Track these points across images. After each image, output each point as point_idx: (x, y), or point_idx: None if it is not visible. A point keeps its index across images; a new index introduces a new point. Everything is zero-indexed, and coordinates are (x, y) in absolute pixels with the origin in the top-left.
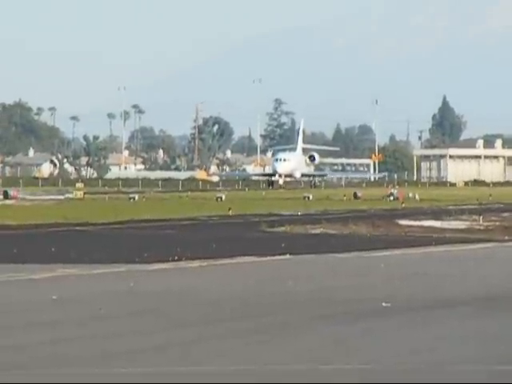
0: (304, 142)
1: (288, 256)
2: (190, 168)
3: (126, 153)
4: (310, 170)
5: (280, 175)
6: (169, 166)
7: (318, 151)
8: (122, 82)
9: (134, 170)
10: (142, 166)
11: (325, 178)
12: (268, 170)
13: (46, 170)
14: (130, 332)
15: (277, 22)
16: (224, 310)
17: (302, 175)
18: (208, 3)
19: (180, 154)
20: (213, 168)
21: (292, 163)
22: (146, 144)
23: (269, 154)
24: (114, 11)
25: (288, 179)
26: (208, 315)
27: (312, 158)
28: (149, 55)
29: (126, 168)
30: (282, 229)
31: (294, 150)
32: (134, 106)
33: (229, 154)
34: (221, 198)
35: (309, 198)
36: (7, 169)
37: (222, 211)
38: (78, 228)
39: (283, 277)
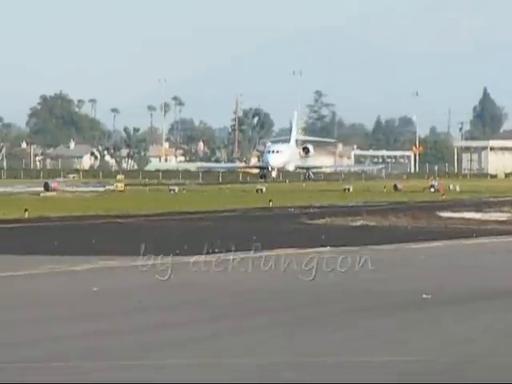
0: (342, 133)
1: (328, 248)
2: (230, 160)
3: (166, 145)
4: (305, 162)
5: (273, 168)
6: (209, 158)
7: (313, 142)
8: (163, 75)
9: (174, 161)
10: (183, 158)
11: (320, 170)
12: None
13: (87, 162)
14: (168, 324)
15: (316, 18)
16: (263, 302)
17: (296, 168)
18: (249, 3)
19: (220, 145)
20: (253, 160)
21: (285, 155)
22: (186, 136)
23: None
24: (152, 4)
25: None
26: (247, 307)
27: (306, 150)
28: (188, 47)
29: (166, 160)
30: (323, 221)
31: (288, 141)
32: (174, 98)
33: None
34: (261, 189)
35: (349, 189)
36: (48, 161)
37: (262, 203)
38: (118, 220)
39: (322, 269)
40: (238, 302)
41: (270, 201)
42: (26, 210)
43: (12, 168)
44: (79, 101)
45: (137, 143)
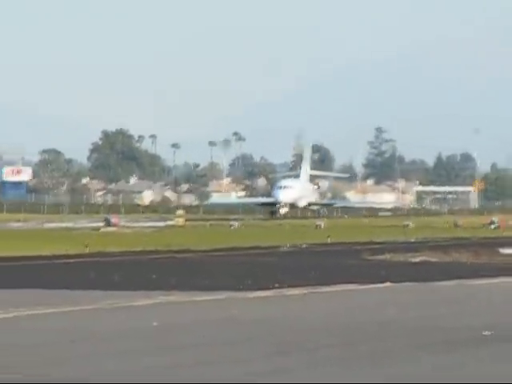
0: (403, 169)
1: (388, 284)
2: None
3: (227, 180)
4: (318, 198)
5: (283, 204)
6: (269, 194)
7: (327, 178)
8: (223, 110)
9: (234, 196)
10: (243, 193)
11: (333, 206)
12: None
13: (148, 197)
14: (230, 360)
15: (373, 51)
16: (324, 338)
17: (310, 204)
18: (316, 32)
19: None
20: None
21: (296, 191)
22: (247, 171)
23: (369, 181)
24: (209, 41)
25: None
26: (308, 343)
27: (317, 186)
28: (249, 82)
29: (226, 195)
30: (382, 257)
31: (298, 176)
32: (235, 134)
33: (331, 180)
34: (320, 225)
35: (408, 225)
36: (109, 196)
37: (321, 239)
38: (178, 255)
39: (382, 305)
40: (299, 338)
41: (328, 236)
42: (86, 245)
43: (73, 203)
44: (140, 136)
45: (197, 178)
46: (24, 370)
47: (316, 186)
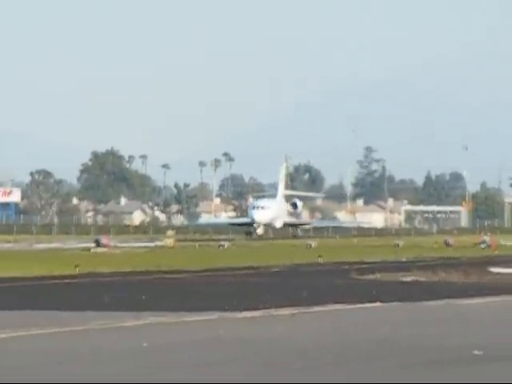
0: (392, 188)
1: (378, 304)
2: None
3: (217, 200)
4: (293, 218)
5: (258, 224)
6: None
7: (300, 198)
8: (213, 131)
9: (224, 217)
10: (233, 213)
11: (308, 227)
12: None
13: (138, 217)
14: (217, 380)
15: (362, 71)
16: (312, 358)
17: (285, 224)
18: (303, 52)
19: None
20: (304, 215)
21: (271, 211)
22: (237, 191)
23: (359, 201)
24: (203, 62)
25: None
26: (296, 362)
27: (294, 206)
28: (235, 101)
29: (216, 215)
30: (373, 276)
31: (274, 196)
32: (225, 154)
33: (320, 201)
34: (310, 245)
35: (398, 245)
36: (99, 217)
37: (312, 258)
38: (168, 276)
39: (372, 324)
40: (286, 358)
41: (319, 256)
42: (76, 265)
43: (63, 224)
44: (130, 157)
45: (187, 199)
46: None
47: (294, 206)
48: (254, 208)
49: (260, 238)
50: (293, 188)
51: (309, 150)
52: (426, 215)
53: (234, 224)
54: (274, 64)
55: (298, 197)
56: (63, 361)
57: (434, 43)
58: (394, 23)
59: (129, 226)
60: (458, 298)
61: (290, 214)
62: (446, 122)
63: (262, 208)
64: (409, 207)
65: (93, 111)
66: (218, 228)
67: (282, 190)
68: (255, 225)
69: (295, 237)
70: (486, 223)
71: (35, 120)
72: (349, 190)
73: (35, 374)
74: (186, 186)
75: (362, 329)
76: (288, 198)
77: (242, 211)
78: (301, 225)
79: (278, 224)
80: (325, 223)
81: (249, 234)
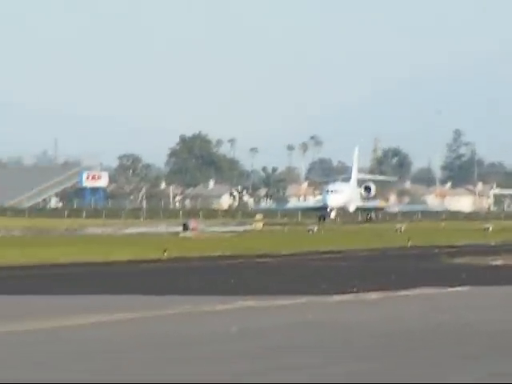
0: (482, 172)
1: (468, 287)
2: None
3: (305, 184)
4: (366, 202)
5: (331, 208)
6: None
7: (375, 182)
8: (301, 114)
9: (312, 201)
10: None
11: (383, 211)
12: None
13: (226, 201)
14: (305, 364)
15: (453, 55)
16: (400, 342)
17: (357, 208)
18: (389, 35)
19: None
20: (392, 198)
21: (345, 195)
22: (325, 175)
23: (448, 185)
24: (288, 44)
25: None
26: (384, 348)
27: (368, 190)
28: (324, 86)
29: (305, 199)
30: (462, 260)
31: (348, 180)
32: (313, 138)
33: (408, 184)
34: (400, 229)
35: (489, 229)
36: (187, 201)
37: (401, 242)
38: (257, 260)
39: (462, 309)
40: (376, 343)
41: (408, 240)
42: (165, 250)
43: (151, 208)
44: (218, 141)
45: (275, 183)
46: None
47: (367, 190)
48: (327, 192)
49: (334, 222)
50: (381, 172)
51: (397, 134)
52: None
53: (307, 208)
54: (361, 45)
55: (372, 180)
56: (149, 345)
57: None
58: (480, 8)
59: (217, 210)
60: None
61: (364, 198)
62: None
63: (336, 192)
64: (498, 191)
65: (181, 95)
66: (306, 212)
67: (355, 174)
68: (328, 209)
69: (369, 221)
70: None
71: (123, 104)
72: (437, 173)
73: (119, 359)
74: (274, 169)
75: (450, 313)
76: (361, 182)
77: None
78: (374, 209)
79: (351, 208)
80: (400, 207)
81: (322, 218)
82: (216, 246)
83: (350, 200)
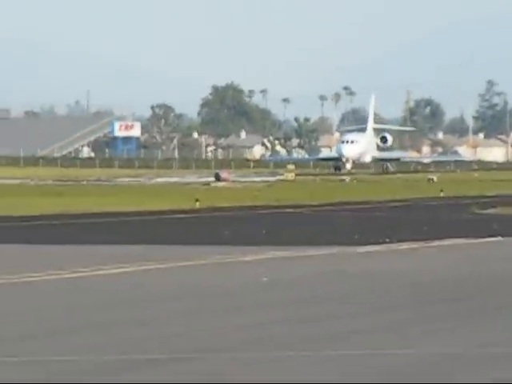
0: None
1: (499, 238)
2: (402, 149)
3: (337, 134)
4: (382, 153)
5: (347, 159)
6: (380, 148)
7: (391, 132)
8: (332, 64)
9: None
10: None
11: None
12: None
13: (258, 152)
14: (336, 315)
15: (487, 6)
16: (433, 293)
17: (373, 159)
18: None
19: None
20: (425, 149)
21: (360, 146)
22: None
23: (480, 135)
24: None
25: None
26: (417, 297)
27: (384, 140)
28: (356, 36)
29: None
30: (494, 211)
31: (364, 130)
32: (345, 88)
33: (441, 135)
34: (432, 179)
35: None
36: (219, 151)
37: (433, 193)
38: (288, 210)
39: (493, 259)
40: (407, 293)
41: (441, 190)
42: (196, 200)
43: (184, 158)
44: (250, 91)
45: (307, 133)
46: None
47: (384, 140)
48: (342, 142)
49: (350, 173)
50: (412, 122)
51: (430, 84)
52: None
53: (322, 159)
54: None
55: (388, 130)
56: (183, 295)
57: None
58: None
59: (249, 160)
60: None
61: (381, 149)
62: None
63: (351, 142)
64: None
65: (213, 45)
66: (322, 162)
67: (371, 124)
68: (344, 159)
69: (386, 172)
70: None
71: (156, 55)
72: (470, 123)
73: (150, 309)
74: (307, 120)
75: (482, 263)
76: (378, 132)
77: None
78: (392, 160)
79: (367, 159)
80: (414, 158)
81: (337, 168)
82: (247, 196)
83: (365, 151)
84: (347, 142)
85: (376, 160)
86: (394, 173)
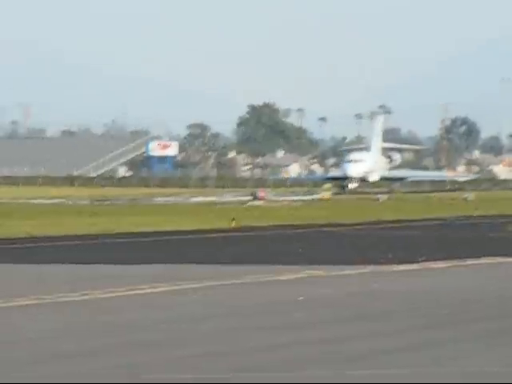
0: None
1: None
2: (438, 168)
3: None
4: (391, 172)
5: (352, 178)
6: (416, 166)
7: (399, 150)
8: (369, 83)
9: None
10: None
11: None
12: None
13: (295, 170)
14: (371, 333)
15: None
16: (468, 311)
17: (381, 178)
18: (448, 5)
19: (427, 154)
20: (460, 168)
21: (366, 165)
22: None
23: (476, 153)
24: (357, 14)
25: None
26: (453, 316)
27: (390, 159)
28: (393, 54)
29: None
30: None
31: (369, 149)
32: (381, 107)
33: (477, 153)
34: (467, 198)
35: None
36: (256, 170)
37: (468, 211)
38: (324, 229)
39: None
40: (443, 312)
41: (476, 209)
42: (233, 219)
43: (220, 177)
44: (286, 110)
45: (343, 152)
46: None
47: (388, 159)
48: (347, 161)
49: (355, 191)
50: (448, 140)
51: (466, 102)
52: None
53: (330, 178)
54: (430, 15)
55: (396, 149)
56: (218, 314)
57: None
58: None
59: (286, 179)
60: None
61: (388, 168)
62: None
63: (356, 161)
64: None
65: (249, 64)
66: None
67: (378, 143)
68: (348, 179)
69: (392, 192)
70: None
71: (193, 74)
72: (505, 142)
73: (181, 329)
74: (343, 139)
75: None
76: (385, 152)
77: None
78: (400, 179)
79: (372, 178)
80: (422, 177)
81: (342, 187)
82: (284, 215)
83: (371, 170)
84: (352, 160)
85: (384, 179)
86: (403, 192)
